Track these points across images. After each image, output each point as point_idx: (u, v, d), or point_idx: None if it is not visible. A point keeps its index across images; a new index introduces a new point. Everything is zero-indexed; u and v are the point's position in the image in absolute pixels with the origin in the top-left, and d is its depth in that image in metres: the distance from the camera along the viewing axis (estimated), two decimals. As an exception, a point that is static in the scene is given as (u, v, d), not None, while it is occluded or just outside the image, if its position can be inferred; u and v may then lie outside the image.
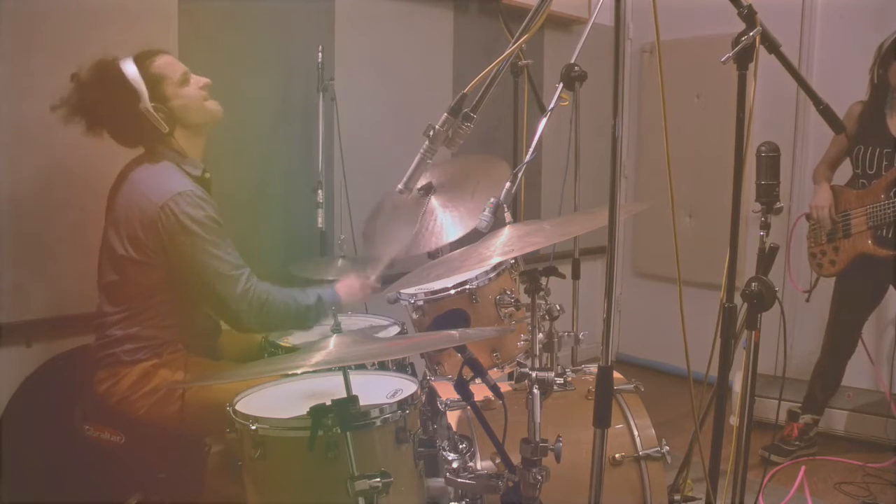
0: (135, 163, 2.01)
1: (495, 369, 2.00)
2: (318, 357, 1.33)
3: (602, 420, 1.19)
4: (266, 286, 1.95)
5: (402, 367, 2.13)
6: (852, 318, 3.06)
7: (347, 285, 2.11)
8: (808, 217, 3.08)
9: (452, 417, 1.91)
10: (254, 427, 1.48)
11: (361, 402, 1.45)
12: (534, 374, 1.48)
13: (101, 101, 1.89)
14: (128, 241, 1.90)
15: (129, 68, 1.91)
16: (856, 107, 2.98)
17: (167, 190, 1.88)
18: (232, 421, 1.56)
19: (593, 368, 2.02)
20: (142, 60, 1.94)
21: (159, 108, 1.93)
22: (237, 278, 1.90)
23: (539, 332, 1.70)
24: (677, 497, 2.39)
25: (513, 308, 1.98)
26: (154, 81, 1.93)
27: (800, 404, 3.19)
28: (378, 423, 1.50)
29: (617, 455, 1.81)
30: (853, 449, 3.17)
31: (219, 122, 2.08)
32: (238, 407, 1.61)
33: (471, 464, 1.69)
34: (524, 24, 1.47)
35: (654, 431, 1.87)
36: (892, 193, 2.79)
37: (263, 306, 1.92)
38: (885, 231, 2.85)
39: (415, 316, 2.06)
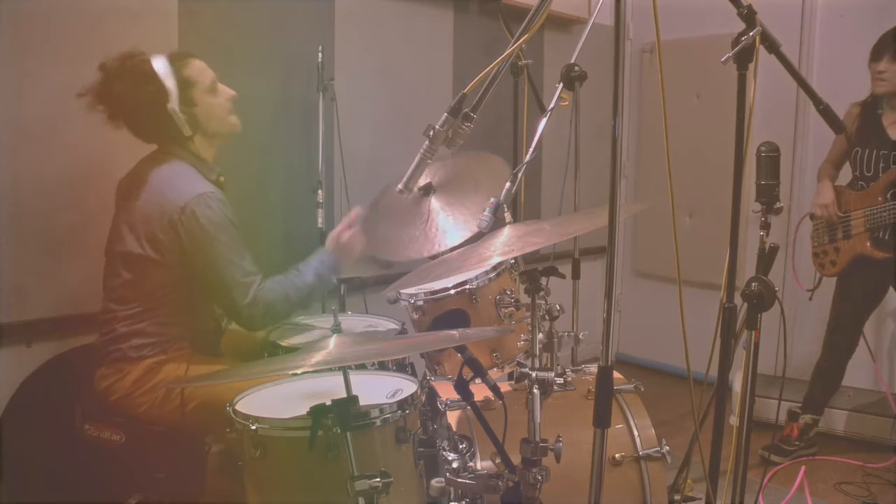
0: (151, 162, 2.00)
1: (495, 369, 1.99)
2: (318, 357, 1.33)
3: (602, 420, 1.19)
4: (268, 286, 1.96)
5: (402, 367, 2.13)
6: (852, 316, 3.07)
7: (337, 239, 2.10)
8: (812, 216, 3.09)
9: (452, 417, 1.91)
10: (254, 427, 1.48)
11: (361, 402, 1.45)
12: (534, 374, 1.48)
13: (127, 93, 1.89)
14: (146, 240, 1.90)
15: (161, 66, 1.92)
16: (854, 108, 2.99)
17: (188, 191, 1.89)
18: (232, 421, 1.56)
19: (593, 368, 2.02)
20: (174, 61, 1.95)
21: (185, 111, 1.94)
22: (248, 286, 1.91)
23: (539, 332, 1.70)
24: (677, 497, 2.39)
25: (513, 308, 1.98)
26: (184, 84, 1.94)
27: (800, 404, 3.19)
28: (378, 423, 1.50)
29: (617, 455, 1.81)
30: (853, 449, 3.17)
31: (235, 135, 2.10)
32: (238, 407, 1.61)
33: (471, 464, 1.69)
34: (524, 24, 1.47)
35: (654, 431, 1.87)
36: (889, 196, 2.80)
37: (269, 308, 1.95)
38: (882, 233, 2.86)
39: (415, 316, 2.06)
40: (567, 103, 1.98)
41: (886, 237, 2.85)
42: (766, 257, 1.73)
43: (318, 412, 1.40)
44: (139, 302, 1.96)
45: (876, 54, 2.83)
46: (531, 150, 1.50)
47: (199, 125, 1.99)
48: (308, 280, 2.02)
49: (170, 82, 1.91)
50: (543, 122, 1.55)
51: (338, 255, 2.09)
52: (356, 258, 2.13)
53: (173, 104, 1.91)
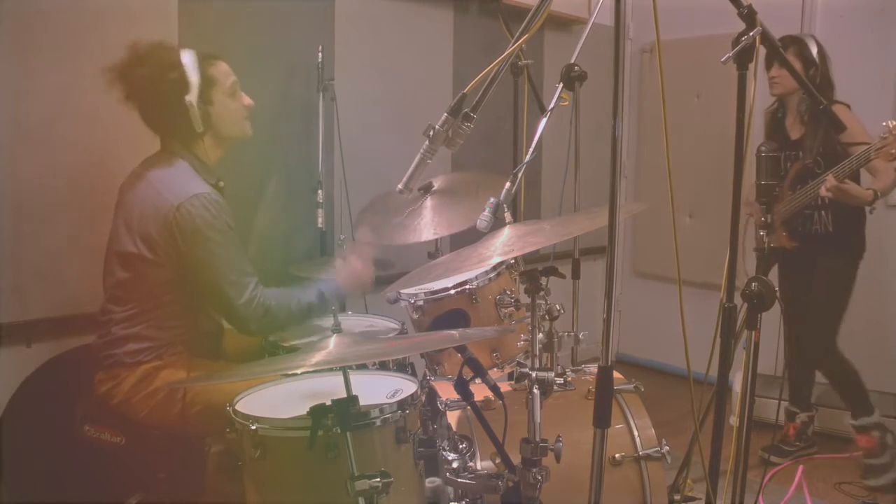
0: (151, 162, 2.01)
1: (495, 369, 2.00)
2: (318, 357, 1.33)
3: (602, 420, 1.19)
4: (269, 292, 1.96)
5: (402, 367, 2.13)
6: (795, 295, 3.12)
7: (348, 272, 2.10)
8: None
9: (452, 417, 1.91)
10: (254, 427, 1.48)
11: (361, 402, 1.45)
12: (534, 374, 1.48)
13: (150, 77, 1.89)
14: (140, 240, 1.90)
15: (188, 59, 1.93)
16: (766, 114, 3.13)
17: (184, 191, 1.88)
18: (232, 421, 1.56)
19: (593, 368, 2.02)
20: (201, 59, 1.97)
21: (201, 108, 1.94)
22: (244, 286, 1.91)
23: (539, 332, 1.70)
24: (677, 497, 2.39)
25: (513, 308, 1.98)
26: (207, 81, 1.96)
27: (799, 404, 3.21)
28: (378, 423, 1.50)
29: (617, 455, 1.81)
30: (853, 448, 3.17)
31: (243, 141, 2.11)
32: (238, 407, 1.61)
33: (471, 464, 1.69)
34: (524, 24, 1.47)
35: (654, 431, 1.87)
36: (795, 190, 2.93)
37: (267, 313, 1.94)
38: (796, 224, 2.99)
39: (415, 316, 2.06)
40: (567, 103, 1.97)
41: (799, 228, 2.99)
42: (766, 257, 1.73)
43: (318, 412, 1.40)
44: (135, 303, 1.95)
45: (768, 62, 2.95)
46: (531, 150, 1.50)
47: (211, 124, 1.99)
48: (311, 298, 2.02)
49: (193, 76, 1.92)
50: (543, 122, 1.55)
51: (345, 285, 2.09)
52: (363, 291, 2.13)
53: (192, 97, 1.92)
